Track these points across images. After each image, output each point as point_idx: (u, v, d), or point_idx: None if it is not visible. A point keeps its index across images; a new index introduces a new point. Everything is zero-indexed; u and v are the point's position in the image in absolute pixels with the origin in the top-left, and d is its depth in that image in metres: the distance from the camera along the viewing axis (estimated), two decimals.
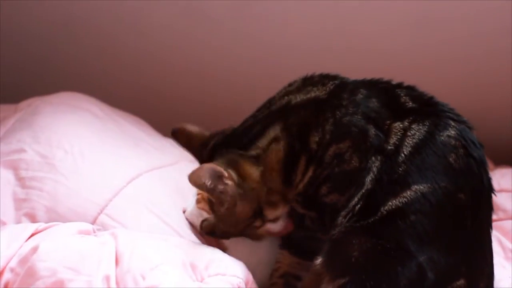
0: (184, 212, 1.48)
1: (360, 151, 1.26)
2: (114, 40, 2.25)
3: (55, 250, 1.16)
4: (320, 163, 1.30)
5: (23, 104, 1.79)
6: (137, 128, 1.81)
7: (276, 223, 1.40)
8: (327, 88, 1.33)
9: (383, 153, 1.25)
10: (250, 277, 1.27)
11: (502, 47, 2.10)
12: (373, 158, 1.25)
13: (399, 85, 1.35)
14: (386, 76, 2.20)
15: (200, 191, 1.43)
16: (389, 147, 1.25)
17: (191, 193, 1.47)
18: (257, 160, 1.36)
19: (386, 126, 1.27)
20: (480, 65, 2.16)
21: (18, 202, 1.41)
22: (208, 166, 1.32)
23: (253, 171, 1.35)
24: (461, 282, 1.20)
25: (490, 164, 2.09)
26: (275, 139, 1.35)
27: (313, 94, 1.33)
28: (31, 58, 2.30)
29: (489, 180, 1.28)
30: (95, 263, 1.14)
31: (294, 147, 1.34)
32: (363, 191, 1.24)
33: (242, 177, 1.34)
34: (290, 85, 1.41)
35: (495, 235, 1.61)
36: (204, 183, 1.31)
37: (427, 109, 1.29)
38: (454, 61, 2.16)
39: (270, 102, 1.41)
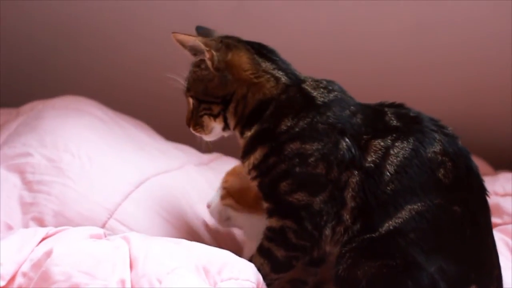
0: (208, 207, 1.46)
1: (327, 161, 1.26)
2: (115, 43, 2.24)
3: (69, 254, 1.14)
4: (279, 150, 1.29)
5: (25, 108, 1.77)
6: (141, 132, 1.81)
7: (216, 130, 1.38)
8: (327, 97, 1.33)
9: (361, 169, 1.25)
10: (261, 279, 1.26)
11: (502, 51, 2.12)
12: (348, 172, 1.26)
13: (390, 105, 1.35)
14: (383, 79, 2.22)
15: (225, 187, 1.44)
16: (368, 164, 1.25)
17: (214, 189, 1.46)
18: (257, 70, 1.34)
19: (363, 141, 1.28)
20: (480, 69, 2.17)
21: (25, 206, 1.40)
22: (198, 39, 1.33)
23: (247, 68, 1.34)
24: None
25: (489, 169, 2.12)
26: (277, 80, 1.34)
27: (315, 94, 1.34)
28: (31, 61, 2.28)
29: (480, 182, 1.29)
30: (110, 267, 1.13)
31: (268, 105, 1.32)
32: (350, 209, 1.25)
33: (229, 64, 1.33)
34: (324, 80, 1.39)
35: (503, 238, 1.62)
36: (186, 45, 1.35)
37: (412, 126, 1.29)
38: (454, 65, 2.17)
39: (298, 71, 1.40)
